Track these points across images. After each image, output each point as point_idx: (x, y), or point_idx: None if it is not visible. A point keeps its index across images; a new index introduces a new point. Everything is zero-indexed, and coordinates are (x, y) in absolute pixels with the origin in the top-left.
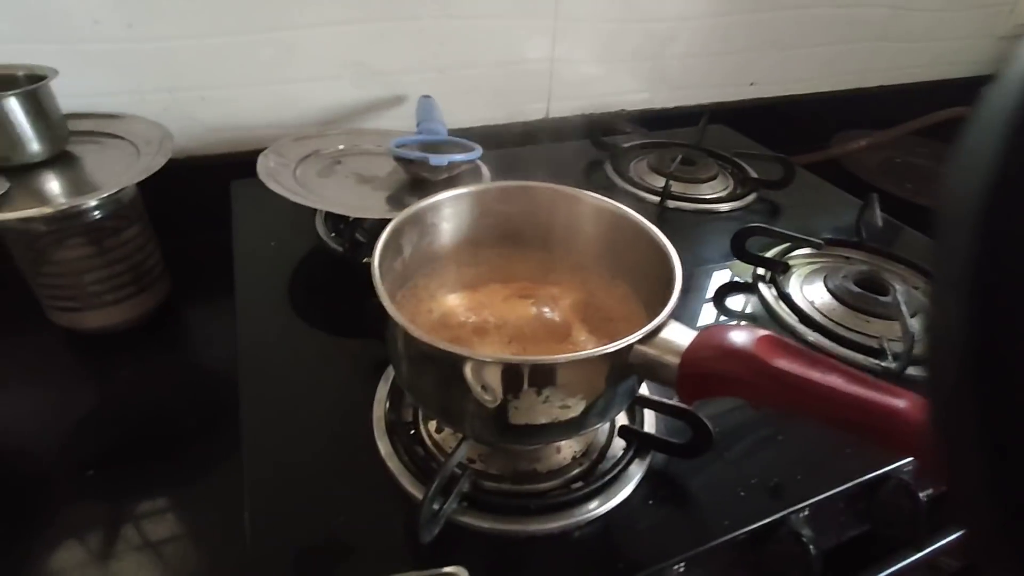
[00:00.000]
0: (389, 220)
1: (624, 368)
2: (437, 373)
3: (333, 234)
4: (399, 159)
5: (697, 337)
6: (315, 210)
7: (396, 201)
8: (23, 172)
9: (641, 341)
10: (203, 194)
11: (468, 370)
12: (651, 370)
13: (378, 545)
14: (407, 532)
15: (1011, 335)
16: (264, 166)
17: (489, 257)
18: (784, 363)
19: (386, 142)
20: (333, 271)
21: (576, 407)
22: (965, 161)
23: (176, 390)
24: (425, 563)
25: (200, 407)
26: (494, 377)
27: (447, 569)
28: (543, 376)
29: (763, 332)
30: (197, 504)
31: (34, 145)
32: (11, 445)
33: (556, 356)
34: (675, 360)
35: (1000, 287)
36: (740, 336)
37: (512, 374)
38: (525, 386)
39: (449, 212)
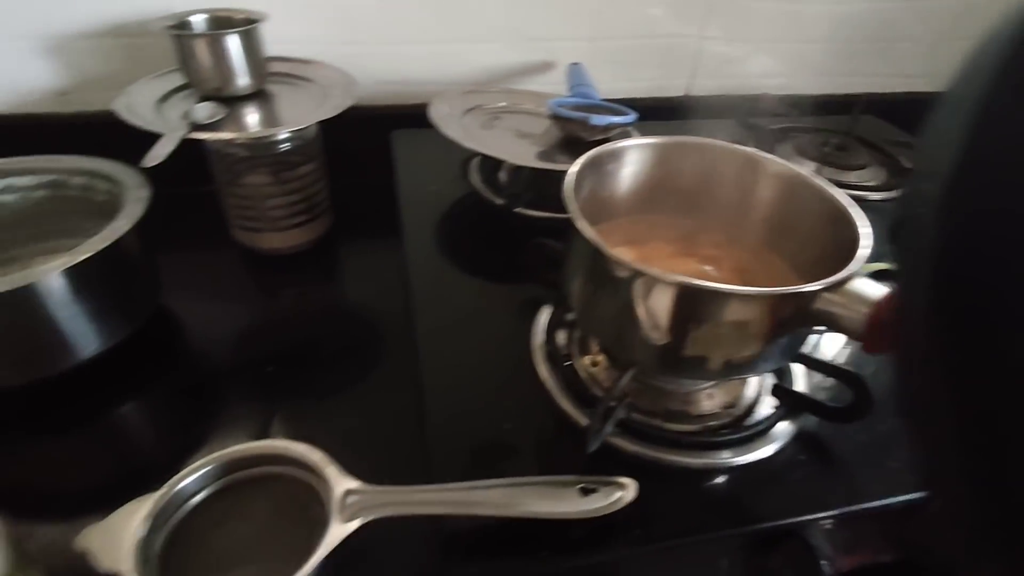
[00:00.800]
0: (549, 170)
1: (806, 315)
2: (620, 296)
3: (486, 183)
4: (558, 117)
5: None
6: (468, 160)
7: (549, 157)
8: (230, 103)
9: (829, 288)
10: (366, 140)
11: (658, 292)
12: (834, 319)
13: (539, 450)
14: (564, 443)
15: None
16: (437, 112)
17: (657, 212)
18: None
19: (542, 103)
20: (485, 217)
21: (752, 347)
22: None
23: (329, 312)
24: (581, 471)
25: (349, 330)
26: (683, 301)
27: (620, 479)
28: (729, 308)
29: None
30: (344, 409)
31: (243, 79)
32: (195, 343)
33: (748, 287)
34: (863, 310)
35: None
36: None
37: (701, 299)
38: (709, 316)
39: (630, 159)
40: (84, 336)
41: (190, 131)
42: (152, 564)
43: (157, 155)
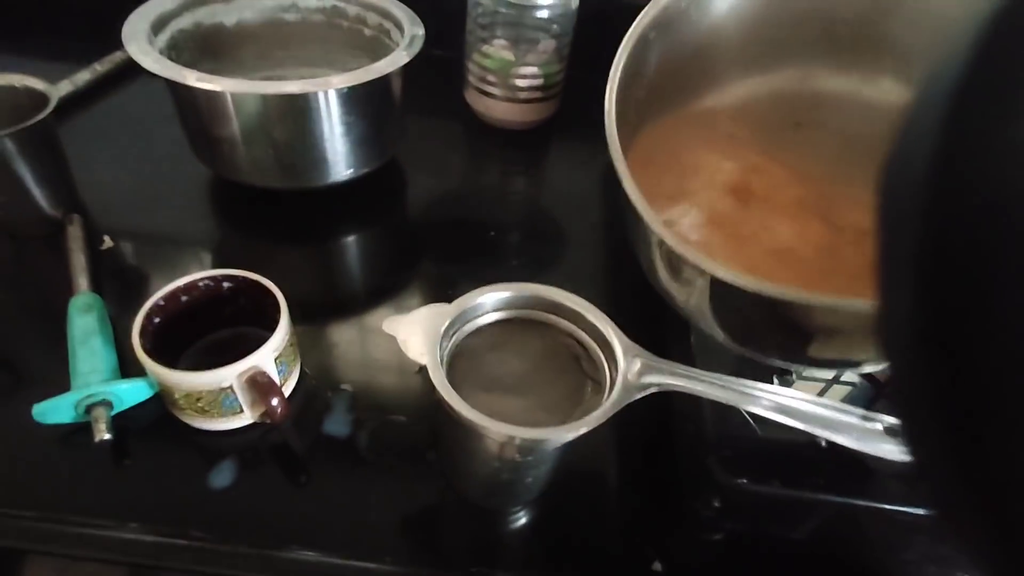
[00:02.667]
0: None
1: None
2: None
3: None
4: None
5: None
6: None
7: None
8: None
9: None
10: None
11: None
12: None
13: None
14: None
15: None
16: None
17: (787, 65)
18: None
19: None
20: None
21: None
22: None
23: (538, 194)
24: None
25: (548, 215)
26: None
27: None
28: None
29: None
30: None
31: None
32: (419, 196)
33: None
34: None
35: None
36: None
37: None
38: None
39: None
40: (344, 157)
41: None
42: (443, 365)
43: None
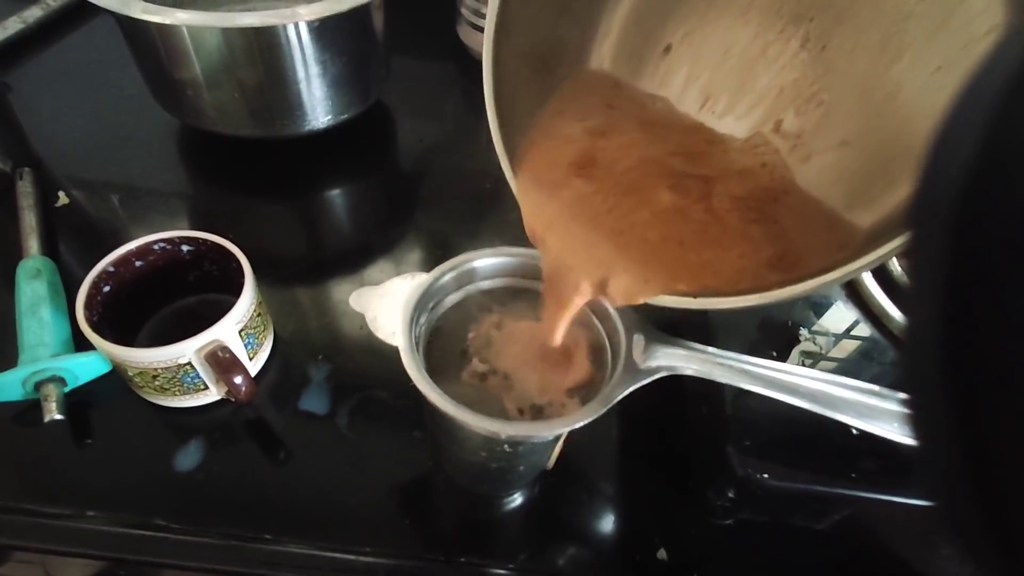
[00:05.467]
0: None
1: None
2: None
3: None
4: None
5: None
6: None
7: None
8: None
9: None
10: None
11: None
12: None
13: None
14: None
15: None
16: None
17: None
18: None
19: None
20: None
21: None
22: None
23: None
24: None
25: None
26: None
27: None
28: None
29: None
30: None
31: None
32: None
33: None
34: None
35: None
36: None
37: None
38: None
39: None
40: (320, 102)
41: None
42: (419, 347)
43: None
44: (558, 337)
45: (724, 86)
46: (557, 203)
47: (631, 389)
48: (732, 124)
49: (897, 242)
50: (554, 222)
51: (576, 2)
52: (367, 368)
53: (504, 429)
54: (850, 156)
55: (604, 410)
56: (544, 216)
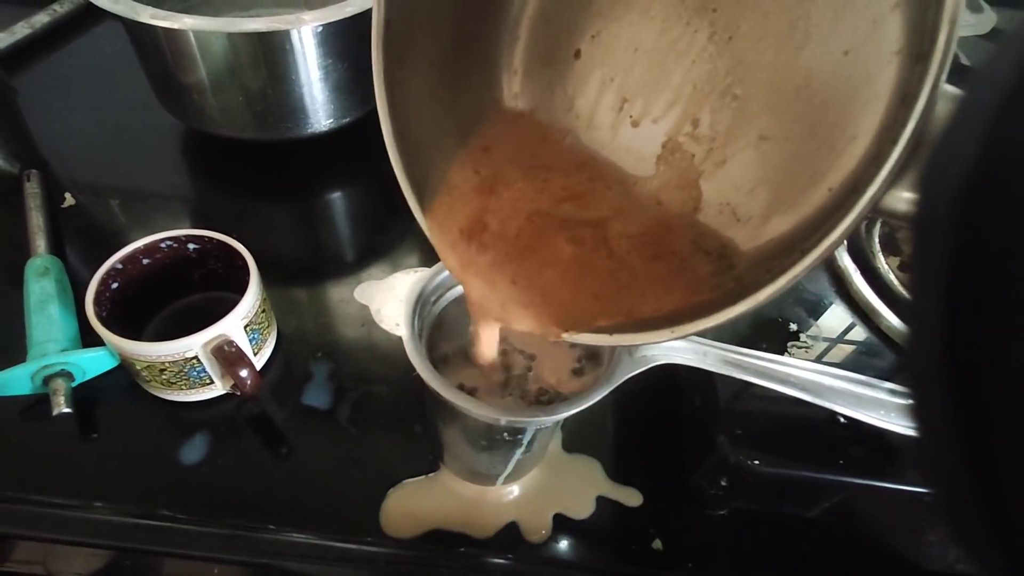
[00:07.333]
0: None
1: None
2: None
3: None
4: None
5: None
6: None
7: None
8: None
9: None
10: None
11: None
12: None
13: None
14: None
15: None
16: None
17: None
18: None
19: None
20: None
21: None
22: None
23: None
24: None
25: None
26: None
27: None
28: None
29: None
30: None
31: None
32: None
33: None
34: None
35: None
36: None
37: None
38: None
39: None
40: (323, 105)
41: None
42: (422, 337)
43: None
44: (491, 354)
45: (638, 86)
46: (464, 268)
47: (627, 376)
48: (650, 128)
49: (828, 243)
50: (468, 268)
51: (476, 6)
52: (368, 364)
53: (504, 415)
54: (769, 152)
55: (601, 396)
56: (457, 263)
